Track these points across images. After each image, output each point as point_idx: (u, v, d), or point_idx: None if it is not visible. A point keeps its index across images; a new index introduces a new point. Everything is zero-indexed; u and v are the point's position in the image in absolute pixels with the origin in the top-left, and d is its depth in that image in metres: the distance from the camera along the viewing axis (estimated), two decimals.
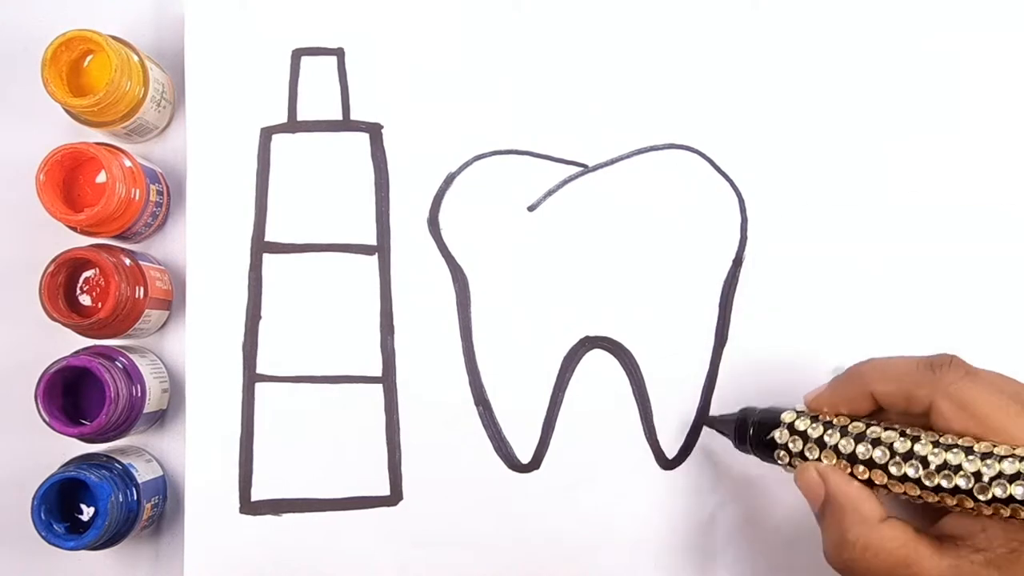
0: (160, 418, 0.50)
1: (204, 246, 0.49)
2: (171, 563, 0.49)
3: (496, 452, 0.48)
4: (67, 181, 0.47)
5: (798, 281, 0.49)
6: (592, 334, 0.49)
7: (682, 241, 0.49)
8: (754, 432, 0.43)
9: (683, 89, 0.50)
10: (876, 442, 0.38)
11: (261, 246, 0.49)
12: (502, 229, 0.49)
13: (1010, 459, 0.35)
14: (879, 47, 0.50)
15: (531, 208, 0.49)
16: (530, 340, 0.49)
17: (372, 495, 0.48)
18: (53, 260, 0.45)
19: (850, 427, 0.40)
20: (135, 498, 0.46)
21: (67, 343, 0.48)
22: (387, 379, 0.49)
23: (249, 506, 0.48)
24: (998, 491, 0.35)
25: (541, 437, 0.49)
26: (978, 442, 0.36)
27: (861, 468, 0.39)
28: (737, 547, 0.48)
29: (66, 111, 0.47)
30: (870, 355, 0.40)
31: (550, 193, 0.49)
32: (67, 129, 0.49)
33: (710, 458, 0.48)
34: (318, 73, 0.50)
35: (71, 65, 0.47)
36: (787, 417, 0.42)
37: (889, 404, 0.39)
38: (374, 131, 0.50)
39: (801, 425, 0.41)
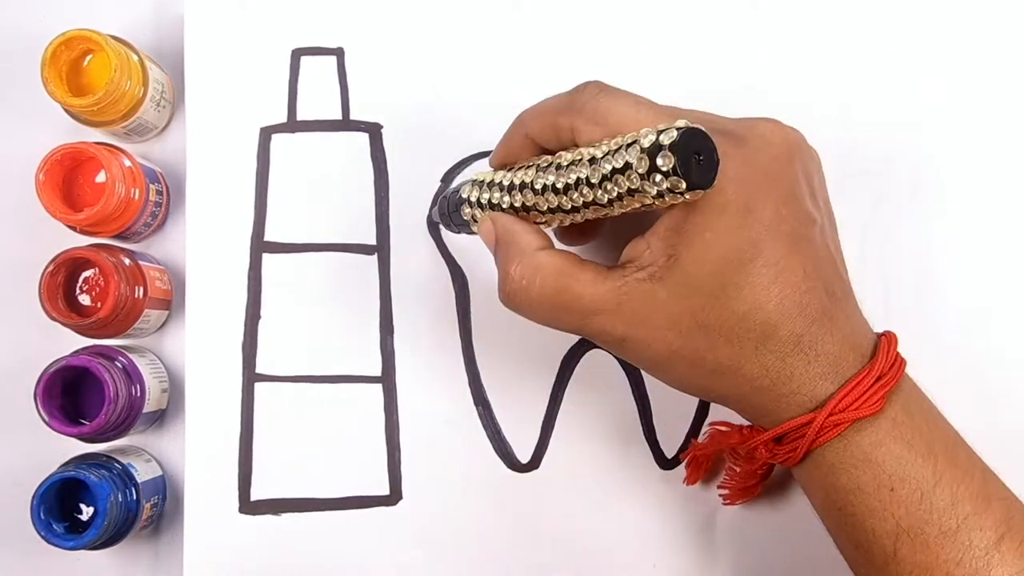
0: (159, 418, 0.50)
1: (204, 246, 0.49)
2: (171, 563, 0.49)
3: (496, 452, 0.48)
4: (67, 181, 0.47)
5: None
6: None
7: None
8: (450, 214, 0.44)
9: (683, 89, 0.49)
10: (522, 186, 0.39)
11: (260, 246, 0.49)
12: None
13: (622, 138, 0.35)
14: (879, 47, 0.50)
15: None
16: (530, 340, 0.49)
17: (371, 495, 0.48)
18: (53, 260, 0.45)
19: (503, 179, 0.40)
20: (135, 498, 0.46)
21: (67, 343, 0.48)
22: (387, 379, 0.49)
23: (248, 506, 0.48)
24: (607, 166, 0.35)
25: (540, 437, 0.49)
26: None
27: (520, 212, 0.39)
28: (737, 547, 0.48)
29: (66, 111, 0.47)
30: None
31: None
32: (67, 129, 0.49)
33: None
34: (318, 73, 0.50)
35: (71, 65, 0.47)
36: (464, 192, 0.43)
37: (544, 141, 0.40)
38: (374, 131, 0.50)
39: (475, 195, 0.42)
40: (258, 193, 0.49)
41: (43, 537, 0.44)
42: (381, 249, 0.49)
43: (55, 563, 0.48)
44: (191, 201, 0.49)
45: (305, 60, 0.50)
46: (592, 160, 0.36)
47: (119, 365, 0.46)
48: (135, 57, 0.47)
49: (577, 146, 0.38)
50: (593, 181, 0.35)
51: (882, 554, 0.36)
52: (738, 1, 0.50)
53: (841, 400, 0.36)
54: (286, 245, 0.49)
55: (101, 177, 0.47)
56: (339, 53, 0.50)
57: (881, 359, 0.36)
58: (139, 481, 0.47)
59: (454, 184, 0.45)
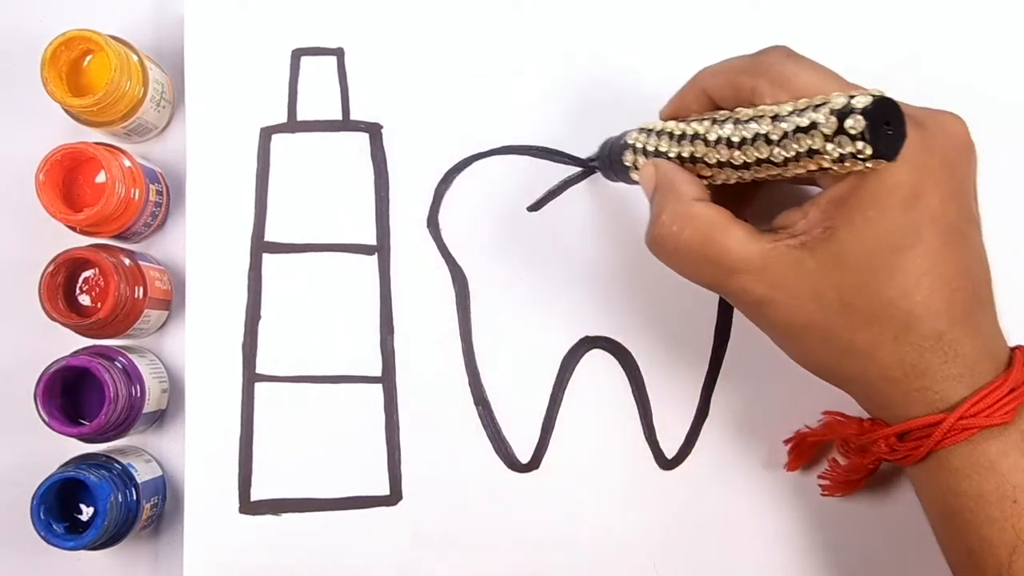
0: (159, 418, 0.50)
1: (204, 246, 0.49)
2: (171, 563, 0.49)
3: (496, 452, 0.48)
4: (67, 181, 0.47)
5: None
6: (592, 334, 0.49)
7: None
8: (611, 160, 0.44)
9: None
10: (695, 136, 0.39)
11: (261, 246, 0.49)
12: (502, 229, 0.49)
13: (809, 100, 0.35)
14: (879, 47, 0.50)
15: (531, 208, 0.49)
16: (530, 340, 0.49)
17: (372, 495, 0.48)
18: (53, 260, 0.45)
19: (674, 129, 0.40)
20: (134, 498, 0.46)
21: (66, 343, 0.48)
22: (387, 379, 0.49)
23: (249, 506, 0.48)
24: (790, 124, 0.35)
25: (541, 437, 0.49)
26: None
27: (686, 163, 0.40)
28: (737, 547, 0.48)
29: (66, 111, 0.47)
30: None
31: (550, 193, 0.49)
32: (67, 129, 0.49)
33: (710, 458, 0.48)
34: (318, 73, 0.50)
35: (71, 65, 0.47)
36: (629, 138, 0.43)
37: (721, 98, 0.39)
38: (374, 131, 0.50)
39: (640, 142, 0.42)
40: (258, 193, 0.49)
41: (43, 537, 0.44)
42: (381, 249, 0.49)
43: (55, 563, 0.48)
44: (191, 201, 0.49)
45: (305, 60, 0.50)
46: (775, 117, 0.35)
47: (119, 365, 0.46)
48: (135, 57, 0.47)
49: (757, 106, 0.38)
50: (773, 137, 0.35)
51: (996, 565, 0.36)
52: (738, 1, 0.50)
53: (973, 405, 0.35)
54: (286, 245, 0.49)
55: (101, 177, 0.47)
56: (339, 53, 0.50)
57: (1017, 370, 0.36)
58: (139, 481, 0.47)
59: (619, 133, 0.45)
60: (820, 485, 0.47)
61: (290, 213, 0.49)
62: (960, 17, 0.50)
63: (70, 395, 0.46)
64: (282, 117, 0.50)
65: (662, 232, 0.39)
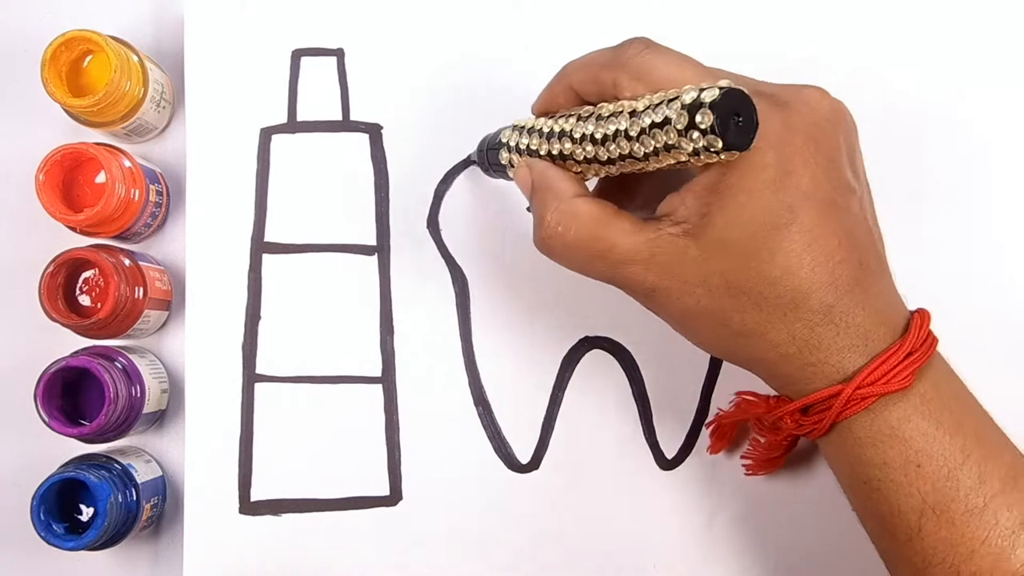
0: (159, 418, 0.50)
1: (204, 246, 0.49)
2: (171, 563, 0.49)
3: (496, 452, 0.48)
4: (67, 181, 0.47)
5: None
6: (592, 334, 0.49)
7: None
8: (488, 160, 0.44)
9: None
10: (561, 134, 0.39)
11: (261, 246, 0.49)
12: (502, 229, 0.49)
13: (664, 93, 0.35)
14: (879, 47, 0.50)
15: (531, 209, 0.49)
16: (530, 340, 0.49)
17: (372, 495, 0.48)
18: (53, 260, 0.45)
19: (543, 126, 0.40)
20: (134, 498, 0.46)
21: (66, 343, 0.47)
22: (387, 379, 0.49)
23: (249, 506, 0.48)
24: (646, 120, 0.35)
25: (540, 437, 0.49)
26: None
27: (557, 160, 0.40)
28: (736, 547, 0.48)
29: (65, 111, 0.47)
30: None
31: None
32: (67, 129, 0.49)
33: (710, 458, 0.48)
34: (318, 73, 0.50)
35: (71, 65, 0.46)
36: (504, 137, 0.43)
37: (585, 93, 0.39)
38: (374, 131, 0.50)
39: (514, 140, 0.42)
40: (258, 194, 0.49)
41: (43, 538, 0.44)
42: (381, 249, 0.49)
43: (55, 564, 0.48)
44: (191, 202, 0.49)
45: (305, 61, 0.50)
46: (632, 113, 0.36)
47: (119, 366, 0.46)
48: (135, 58, 0.47)
49: (619, 100, 0.38)
50: (632, 134, 0.35)
51: (906, 529, 0.36)
52: (738, 1, 0.50)
53: (870, 374, 0.36)
54: (286, 246, 0.49)
55: (101, 178, 0.47)
56: (339, 54, 0.50)
57: (913, 335, 0.36)
58: (139, 482, 0.47)
59: (495, 130, 0.45)
60: (743, 465, 0.47)
61: (290, 213, 0.49)
62: (960, 22, 0.50)
63: (70, 395, 0.46)
64: (282, 117, 0.50)
65: (548, 233, 0.39)
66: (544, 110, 0.42)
